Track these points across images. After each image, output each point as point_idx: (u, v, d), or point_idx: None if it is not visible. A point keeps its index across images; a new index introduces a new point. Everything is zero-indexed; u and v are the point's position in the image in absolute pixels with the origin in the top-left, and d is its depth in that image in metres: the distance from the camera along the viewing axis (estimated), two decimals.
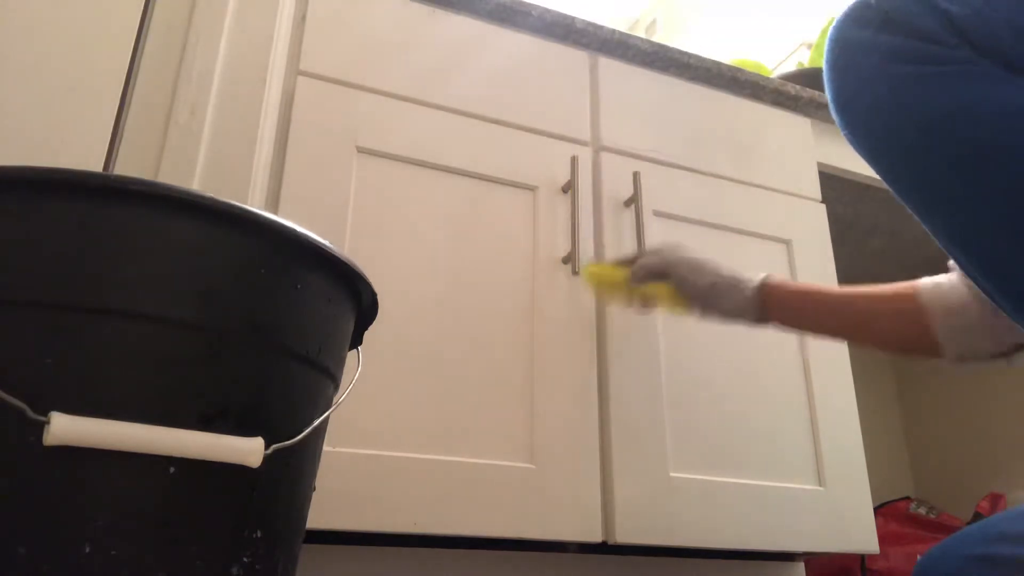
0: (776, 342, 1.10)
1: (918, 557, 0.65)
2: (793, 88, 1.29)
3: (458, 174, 0.99)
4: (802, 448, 1.05)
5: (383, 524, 0.80)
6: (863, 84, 0.56)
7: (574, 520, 0.88)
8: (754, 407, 1.05)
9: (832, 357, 1.12)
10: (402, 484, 0.82)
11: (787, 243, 1.17)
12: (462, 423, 0.88)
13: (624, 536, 0.90)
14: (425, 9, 1.06)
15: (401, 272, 0.92)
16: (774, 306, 0.84)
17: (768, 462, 1.02)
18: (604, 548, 0.93)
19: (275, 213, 0.88)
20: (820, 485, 1.04)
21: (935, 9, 0.53)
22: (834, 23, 0.59)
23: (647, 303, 0.95)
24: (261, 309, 0.47)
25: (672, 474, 0.95)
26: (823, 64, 0.60)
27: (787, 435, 1.05)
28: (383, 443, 0.83)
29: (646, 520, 0.92)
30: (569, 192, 1.03)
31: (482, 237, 0.97)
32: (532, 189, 1.03)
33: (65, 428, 0.39)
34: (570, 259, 0.98)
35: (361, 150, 0.95)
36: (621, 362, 0.99)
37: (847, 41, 0.57)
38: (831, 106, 0.60)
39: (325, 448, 0.78)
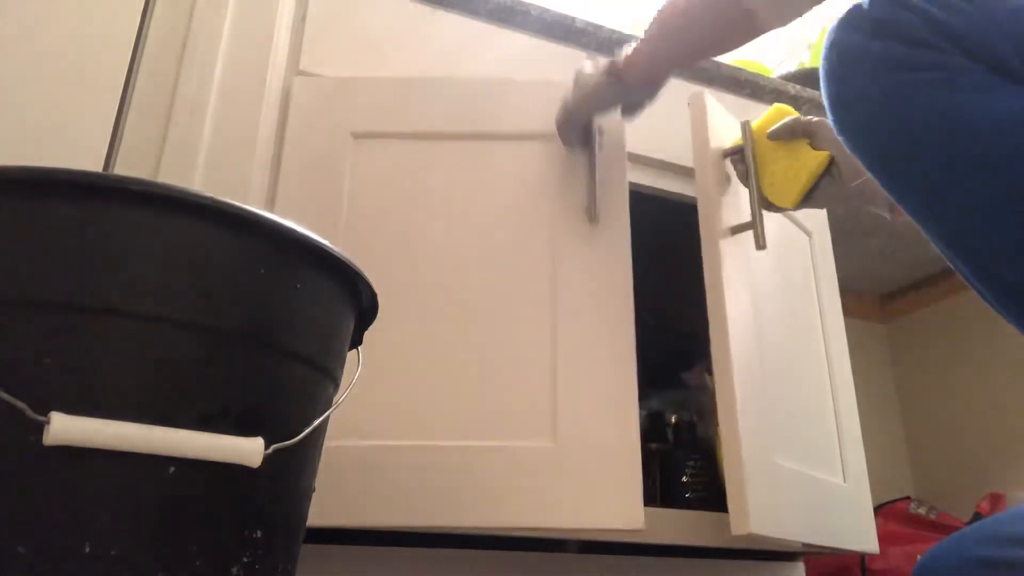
0: None
1: (918, 557, 0.64)
2: (793, 88, 1.29)
3: (463, 138, 0.94)
4: None
5: (382, 519, 0.77)
6: (857, 90, 0.57)
7: (609, 505, 0.78)
8: None
9: (832, 357, 1.12)
10: (402, 476, 0.78)
11: None
12: (480, 405, 0.82)
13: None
14: (425, 9, 1.06)
15: (406, 247, 0.87)
16: None
17: None
18: (604, 548, 0.93)
19: (273, 212, 0.87)
20: None
21: (926, 15, 0.53)
22: (828, 29, 0.59)
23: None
24: (261, 309, 0.47)
25: None
26: (820, 69, 0.60)
27: None
28: (384, 433, 0.80)
29: None
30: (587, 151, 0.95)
31: (495, 201, 0.91)
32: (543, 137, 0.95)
33: (65, 428, 0.39)
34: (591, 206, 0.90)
35: (357, 135, 0.92)
36: None
37: (841, 47, 0.58)
38: (827, 111, 0.60)
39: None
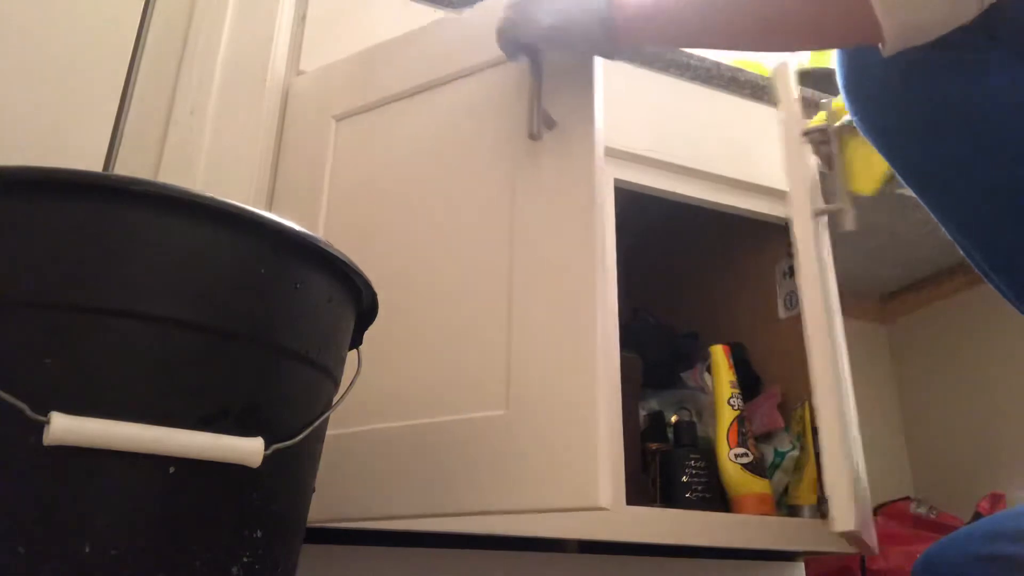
0: None
1: (918, 557, 0.65)
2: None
3: (424, 90, 0.85)
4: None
5: (324, 515, 0.69)
6: (874, 70, 0.55)
7: (566, 481, 0.62)
8: None
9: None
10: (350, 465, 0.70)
11: None
12: (435, 376, 0.71)
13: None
14: (426, 9, 1.06)
15: (381, 228, 0.80)
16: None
17: None
18: (604, 548, 0.93)
19: (272, 212, 0.87)
20: None
21: None
22: None
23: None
24: (261, 309, 0.47)
25: None
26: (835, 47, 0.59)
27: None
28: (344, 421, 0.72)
29: None
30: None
31: (453, 144, 0.80)
32: None
33: (65, 428, 0.39)
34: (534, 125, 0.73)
35: (338, 117, 0.90)
36: None
37: None
38: (841, 91, 0.59)
39: None
